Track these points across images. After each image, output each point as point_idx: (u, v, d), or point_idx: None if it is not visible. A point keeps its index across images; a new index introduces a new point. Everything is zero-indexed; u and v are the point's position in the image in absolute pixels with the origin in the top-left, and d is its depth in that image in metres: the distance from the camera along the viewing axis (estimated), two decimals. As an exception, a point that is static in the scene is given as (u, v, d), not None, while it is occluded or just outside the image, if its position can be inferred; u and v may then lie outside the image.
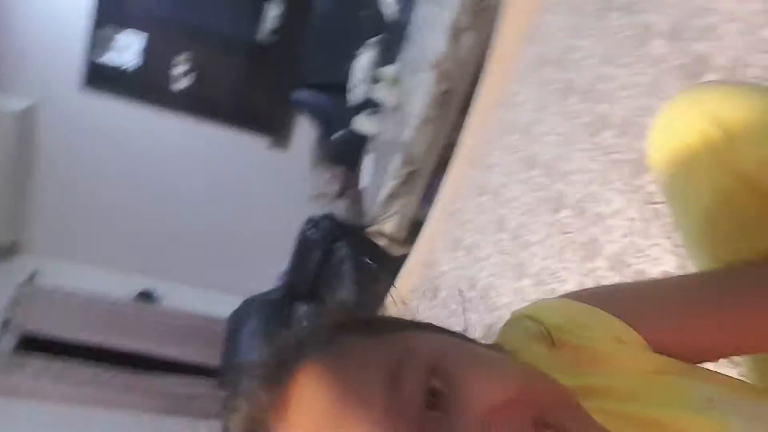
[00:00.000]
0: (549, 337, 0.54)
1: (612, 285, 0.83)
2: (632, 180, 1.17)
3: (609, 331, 0.54)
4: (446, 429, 0.38)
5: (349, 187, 4.12)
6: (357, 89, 3.76)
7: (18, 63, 3.74)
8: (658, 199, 1.10)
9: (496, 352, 0.49)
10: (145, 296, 4.22)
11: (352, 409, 0.38)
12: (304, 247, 3.64)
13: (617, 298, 0.59)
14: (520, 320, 0.59)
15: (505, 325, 0.60)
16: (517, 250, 1.44)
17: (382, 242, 3.07)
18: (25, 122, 3.81)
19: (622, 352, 0.53)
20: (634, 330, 0.54)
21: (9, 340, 3.67)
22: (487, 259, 1.56)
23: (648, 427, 0.48)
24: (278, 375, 0.42)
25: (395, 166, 3.04)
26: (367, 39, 3.73)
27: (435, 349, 0.42)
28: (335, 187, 4.14)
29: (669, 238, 1.03)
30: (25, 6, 3.62)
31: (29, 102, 3.81)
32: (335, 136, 3.80)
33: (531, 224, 1.43)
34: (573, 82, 1.46)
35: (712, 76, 1.04)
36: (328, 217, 3.68)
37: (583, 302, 0.57)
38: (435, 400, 0.39)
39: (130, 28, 3.86)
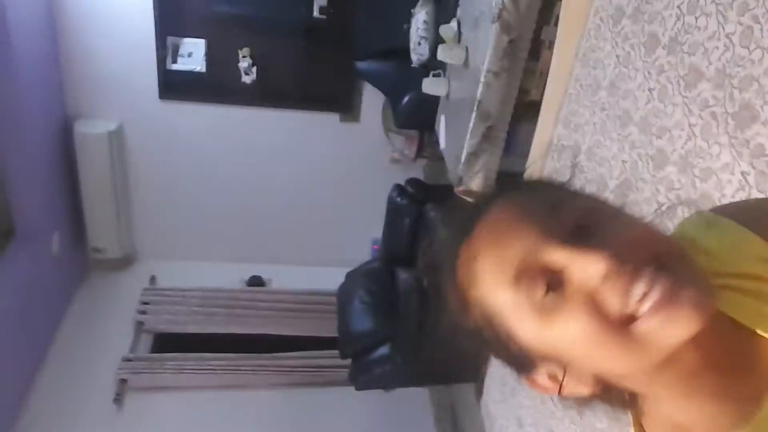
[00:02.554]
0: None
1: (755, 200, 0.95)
2: (736, 133, 1.20)
3: (755, 251, 0.65)
4: (586, 249, 0.52)
5: (425, 149, 4.19)
6: (418, 50, 3.77)
7: (102, 89, 3.99)
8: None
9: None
10: (255, 281, 4.49)
11: (521, 222, 0.55)
12: (394, 215, 3.76)
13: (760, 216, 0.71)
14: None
15: None
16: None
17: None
18: (117, 141, 4.07)
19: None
20: None
21: (145, 342, 4.03)
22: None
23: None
24: (471, 222, 0.60)
25: (472, 124, 3.08)
26: (419, -3, 3.71)
27: (590, 204, 0.58)
28: (411, 151, 4.21)
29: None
30: (99, 39, 3.83)
31: (117, 122, 4.07)
32: (404, 101, 3.85)
33: (631, 186, 1.48)
34: (656, 35, 1.47)
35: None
36: (413, 182, 3.77)
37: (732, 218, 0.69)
38: (581, 232, 0.54)
39: (189, 36, 4.01)
